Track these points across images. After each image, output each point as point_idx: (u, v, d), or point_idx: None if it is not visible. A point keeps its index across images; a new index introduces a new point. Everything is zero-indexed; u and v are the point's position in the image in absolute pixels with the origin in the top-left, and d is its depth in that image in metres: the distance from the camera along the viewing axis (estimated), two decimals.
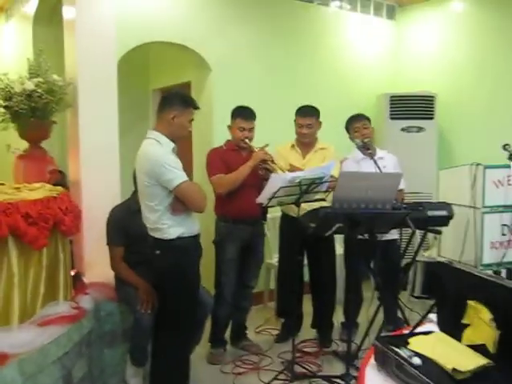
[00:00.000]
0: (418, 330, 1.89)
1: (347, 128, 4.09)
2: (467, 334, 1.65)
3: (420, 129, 5.40)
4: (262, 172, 3.64)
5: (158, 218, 2.79)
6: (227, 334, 3.98)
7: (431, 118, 5.40)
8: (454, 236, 4.19)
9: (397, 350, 1.65)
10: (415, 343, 1.69)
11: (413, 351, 1.64)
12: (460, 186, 4.32)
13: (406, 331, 2.00)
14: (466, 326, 1.67)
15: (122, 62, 4.06)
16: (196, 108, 2.92)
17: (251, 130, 3.71)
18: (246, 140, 3.68)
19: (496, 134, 4.97)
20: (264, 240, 4.04)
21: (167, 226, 2.79)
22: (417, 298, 5.04)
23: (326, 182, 3.23)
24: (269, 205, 3.22)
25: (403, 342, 1.71)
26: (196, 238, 2.92)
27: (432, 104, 5.39)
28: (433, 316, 2.12)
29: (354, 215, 3.02)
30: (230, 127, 3.79)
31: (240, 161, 3.66)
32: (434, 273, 1.87)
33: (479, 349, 1.58)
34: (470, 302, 1.63)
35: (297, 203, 3.25)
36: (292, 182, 3.08)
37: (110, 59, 3.79)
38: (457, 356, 1.57)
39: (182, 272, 2.82)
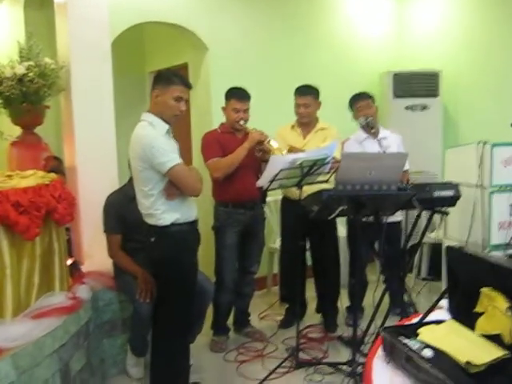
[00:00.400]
0: (428, 318, 1.79)
1: (350, 107, 3.97)
2: (481, 323, 1.54)
3: (424, 107, 5.26)
4: (258, 154, 3.55)
5: (151, 204, 2.68)
6: (230, 321, 3.90)
7: (436, 96, 5.26)
8: (461, 217, 4.08)
9: (406, 341, 1.55)
10: (425, 334, 1.59)
11: (423, 342, 1.54)
12: (467, 165, 4.19)
13: (415, 319, 1.90)
14: (480, 314, 1.56)
15: (116, 44, 3.93)
16: (186, 86, 2.74)
17: (246, 111, 3.60)
18: (241, 122, 3.57)
19: (503, 110, 4.84)
20: (265, 224, 3.94)
21: (161, 212, 2.67)
22: (423, 279, 4.97)
23: (328, 163, 3.12)
24: (269, 188, 3.11)
25: (412, 332, 1.61)
26: (193, 224, 2.81)
27: (436, 81, 5.24)
28: (443, 302, 2.03)
29: (358, 197, 2.91)
30: (224, 109, 3.68)
31: (235, 143, 3.56)
32: (446, 259, 1.75)
33: (494, 339, 1.47)
34: (484, 290, 1.52)
35: (298, 186, 3.14)
36: (293, 163, 2.96)
37: (104, 41, 3.68)
38: (471, 348, 1.47)
39: (177, 260, 2.71)
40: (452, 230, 4.37)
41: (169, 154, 2.60)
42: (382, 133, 3.92)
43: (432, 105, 5.25)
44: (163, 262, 2.73)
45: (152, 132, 2.64)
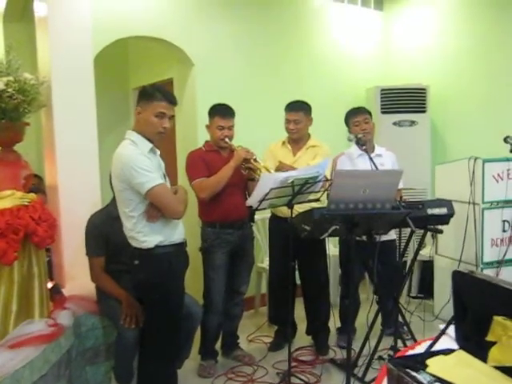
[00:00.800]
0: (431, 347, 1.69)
1: (346, 122, 3.88)
2: (494, 354, 1.44)
3: (412, 122, 5.20)
4: (245, 172, 3.46)
5: (133, 226, 2.56)
6: (218, 345, 3.76)
7: (424, 112, 5.21)
8: (452, 233, 4.01)
9: (415, 374, 1.44)
10: (435, 366, 1.48)
11: (433, 376, 1.43)
12: (458, 181, 4.14)
13: (417, 347, 1.80)
14: (492, 344, 1.46)
15: (98, 60, 3.82)
16: (170, 101, 2.61)
17: (231, 128, 3.51)
18: (226, 139, 3.48)
19: (491, 125, 4.80)
20: (254, 243, 3.82)
21: (143, 235, 2.55)
22: (413, 298, 4.88)
23: (319, 181, 3.02)
24: (259, 207, 2.99)
25: (420, 364, 1.50)
26: (179, 246, 2.67)
27: (424, 96, 5.20)
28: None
29: (352, 216, 2.81)
30: (208, 127, 3.58)
31: (221, 162, 3.46)
32: (452, 284, 1.64)
33: (510, 372, 1.37)
34: (497, 318, 1.42)
35: (289, 205, 3.03)
36: (284, 182, 2.86)
37: (86, 56, 3.59)
38: (485, 382, 1.37)
39: (162, 284, 2.58)
40: (443, 247, 4.31)
41: (148, 175, 2.47)
42: (378, 150, 3.85)
43: (420, 120, 5.20)
44: (147, 286, 2.60)
45: (132, 151, 2.51)
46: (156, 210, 2.53)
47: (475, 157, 3.97)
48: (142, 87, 2.78)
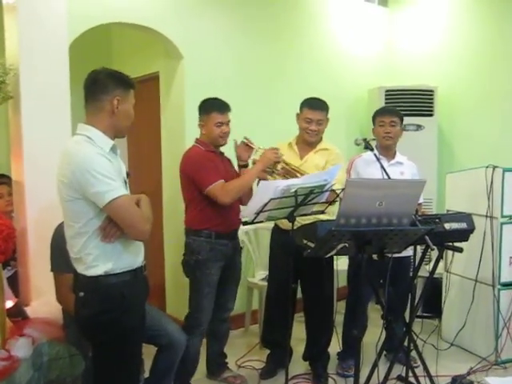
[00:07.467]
0: None
1: (373, 120, 3.58)
2: None
3: (419, 127, 4.81)
4: (278, 176, 3.08)
5: (82, 246, 2.04)
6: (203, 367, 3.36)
7: (431, 115, 4.82)
8: (466, 249, 3.61)
9: None
10: None
11: None
12: (472, 191, 3.77)
13: None
14: None
15: (76, 47, 3.42)
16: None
17: (228, 123, 3.13)
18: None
19: (505, 132, 4.45)
20: (241, 255, 3.44)
21: (92, 258, 2.04)
22: (417, 317, 4.48)
23: (327, 191, 2.61)
24: (256, 220, 2.57)
25: None
26: (137, 272, 2.17)
27: (431, 99, 4.80)
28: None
29: (364, 233, 2.40)
30: (201, 125, 3.15)
31: (221, 163, 3.10)
32: None
33: None
34: None
35: (290, 218, 2.61)
36: (286, 191, 2.44)
37: (60, 42, 3.21)
38: None
39: (112, 323, 2.07)
40: (455, 263, 3.90)
41: (110, 183, 1.98)
42: (398, 157, 3.51)
43: (427, 125, 4.80)
44: (95, 325, 2.10)
45: (89, 150, 2.01)
46: (115, 227, 2.04)
47: (494, 165, 3.59)
48: (94, 72, 2.23)
